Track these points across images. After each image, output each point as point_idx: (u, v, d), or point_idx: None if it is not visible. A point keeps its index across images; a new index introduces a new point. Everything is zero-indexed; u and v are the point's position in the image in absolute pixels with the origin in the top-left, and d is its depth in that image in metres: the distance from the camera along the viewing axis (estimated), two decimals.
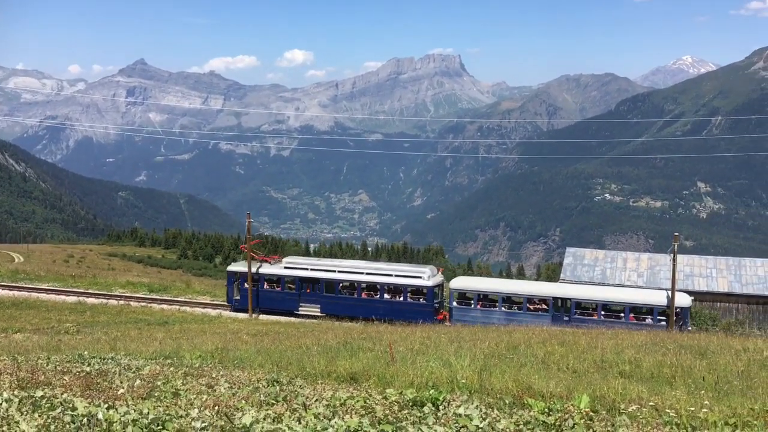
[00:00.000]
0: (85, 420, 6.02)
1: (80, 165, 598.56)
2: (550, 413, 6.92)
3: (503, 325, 34.90)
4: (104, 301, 43.11)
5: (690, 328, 35.38)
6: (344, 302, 41.44)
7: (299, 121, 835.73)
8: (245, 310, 42.46)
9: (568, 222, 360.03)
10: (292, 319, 39.58)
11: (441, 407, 7.22)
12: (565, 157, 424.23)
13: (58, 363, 11.10)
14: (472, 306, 39.32)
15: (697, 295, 44.72)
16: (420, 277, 40.28)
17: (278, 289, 42.97)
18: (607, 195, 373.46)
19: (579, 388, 9.61)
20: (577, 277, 50.93)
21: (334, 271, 42.17)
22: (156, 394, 7.87)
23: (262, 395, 7.91)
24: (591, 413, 7.03)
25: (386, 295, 40.76)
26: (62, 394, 7.44)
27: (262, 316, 40.54)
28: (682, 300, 36.48)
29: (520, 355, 14.75)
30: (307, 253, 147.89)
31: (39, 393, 7.16)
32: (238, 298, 43.32)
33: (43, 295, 44.00)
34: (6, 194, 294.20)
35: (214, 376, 9.94)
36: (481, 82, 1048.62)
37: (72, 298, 43.45)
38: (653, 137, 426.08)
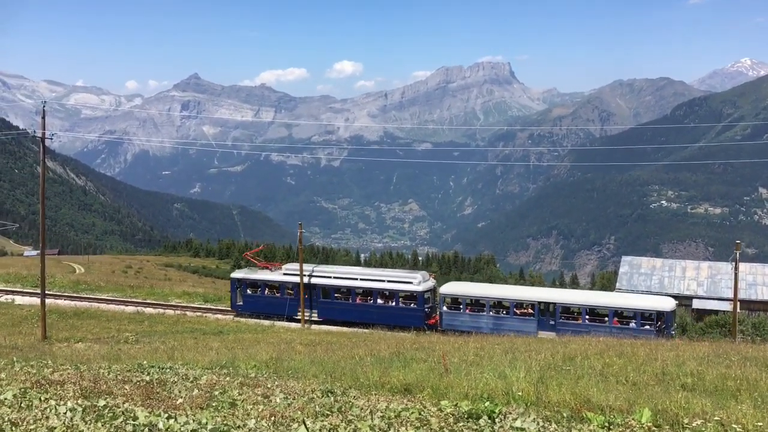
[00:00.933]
0: (146, 430, 6.13)
1: (137, 178, 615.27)
2: (610, 428, 6.75)
3: (491, 330, 37.49)
4: (161, 310, 44.04)
5: (672, 333, 35.51)
6: (340, 307, 42.58)
7: (349, 132, 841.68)
8: (247, 315, 44.11)
9: (623, 230, 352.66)
10: (344, 328, 39.70)
11: (497, 420, 7.11)
12: (619, 164, 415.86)
13: (118, 372, 11.36)
14: (462, 311, 39.74)
15: (762, 305, 43.23)
16: (410, 283, 40.92)
17: (278, 294, 44.10)
18: (663, 202, 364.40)
19: (640, 401, 9.35)
20: (633, 286, 49.81)
21: (330, 277, 43.37)
22: (213, 404, 7.96)
23: (317, 406, 7.93)
24: (653, 428, 6.83)
25: (379, 300, 41.41)
26: (124, 403, 7.60)
27: (315, 326, 40.79)
28: (664, 304, 36.47)
29: (577, 366, 14.46)
30: (357, 263, 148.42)
31: (102, 402, 7.34)
32: (240, 303, 44.76)
33: (103, 305, 45.20)
34: (67, 207, 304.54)
35: (269, 386, 10.01)
36: (531, 89, 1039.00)
37: (131, 308, 44.52)
38: (711, 142, 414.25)
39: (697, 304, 48.08)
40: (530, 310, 38.34)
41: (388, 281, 41.76)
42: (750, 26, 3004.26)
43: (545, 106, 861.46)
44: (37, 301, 37.90)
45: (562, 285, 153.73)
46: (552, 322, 37.29)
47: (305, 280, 43.26)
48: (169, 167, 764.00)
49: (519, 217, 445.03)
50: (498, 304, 39.38)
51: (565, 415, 7.96)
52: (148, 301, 49.60)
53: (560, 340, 24.23)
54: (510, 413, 7.45)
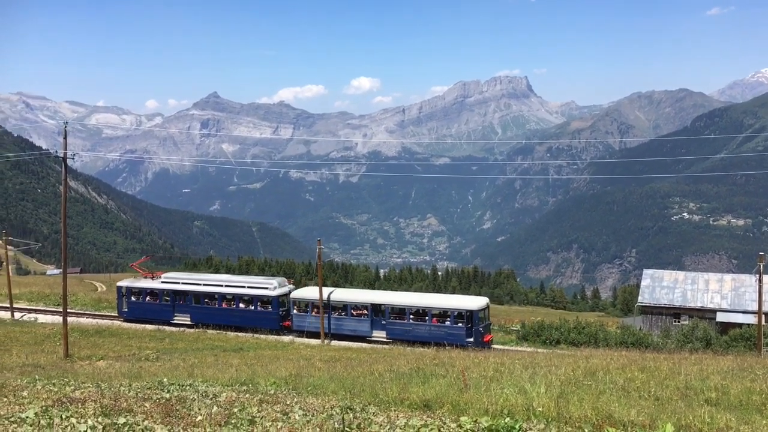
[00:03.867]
0: None
1: (158, 196, 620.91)
2: None
3: (334, 330, 41.70)
4: (182, 329, 44.25)
5: (481, 329, 38.34)
6: (208, 312, 45.81)
7: (367, 148, 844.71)
8: (137, 321, 46.66)
9: (645, 243, 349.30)
10: (364, 345, 39.60)
11: None
12: (640, 176, 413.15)
13: (139, 390, 11.42)
14: (308, 313, 42.73)
15: None
16: (267, 288, 44.41)
17: (157, 301, 47.37)
18: (685, 214, 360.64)
19: (662, 416, 9.22)
20: (656, 299, 49.26)
21: (200, 285, 46.86)
22: (233, 421, 7.97)
23: (336, 422, 7.92)
24: None
25: (241, 305, 44.91)
26: (143, 420, 7.64)
27: (334, 342, 40.73)
28: (472, 304, 39.35)
29: (599, 381, 14.28)
30: (377, 279, 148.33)
31: (121, 420, 7.38)
32: (125, 309, 47.93)
33: (124, 324, 45.53)
34: (89, 226, 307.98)
35: (288, 402, 10.01)
36: (549, 102, 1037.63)
37: (151, 326, 44.79)
38: (733, 153, 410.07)
39: (721, 317, 47.43)
40: (365, 312, 41.35)
41: (248, 287, 45.18)
42: None
43: (563, 120, 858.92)
44: (59, 319, 38.26)
45: (583, 299, 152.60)
46: (383, 322, 40.64)
47: (180, 287, 46.92)
48: (189, 185, 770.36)
49: (539, 230, 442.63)
50: (338, 307, 42.36)
51: (586, 430, 7.87)
52: None
53: (581, 354, 23.96)
54: (530, 429, 7.38)
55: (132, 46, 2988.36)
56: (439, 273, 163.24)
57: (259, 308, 44.29)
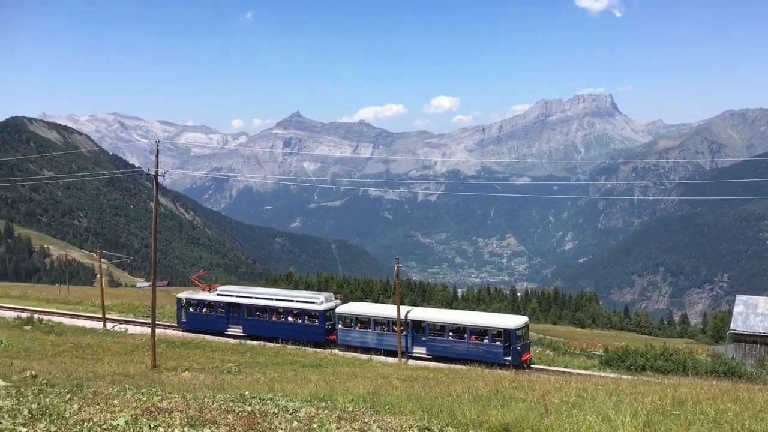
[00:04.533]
0: None
1: (241, 213, 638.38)
2: None
3: (375, 345, 42.58)
4: (263, 342, 45.15)
5: (519, 348, 38.24)
6: (260, 324, 47.33)
7: (446, 167, 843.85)
8: (194, 331, 48.11)
9: (737, 267, 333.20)
10: (441, 364, 39.27)
11: None
12: (732, 198, 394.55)
13: (222, 402, 11.70)
14: (353, 328, 44.00)
15: None
16: (314, 302, 45.70)
17: (213, 313, 49.17)
18: None
19: None
20: (750, 327, 46.80)
21: (253, 298, 48.46)
22: None
23: None
24: None
25: (290, 318, 46.28)
26: None
27: (411, 361, 40.59)
28: (509, 322, 39.62)
29: (688, 412, 13.66)
30: (454, 299, 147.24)
31: (207, 431, 7.58)
32: (184, 320, 49.90)
33: (208, 337, 46.87)
34: (177, 241, 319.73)
35: (366, 420, 10.04)
36: (634, 120, 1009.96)
37: (233, 340, 45.91)
38: None
39: None
40: (405, 328, 42.15)
41: (297, 301, 46.73)
42: None
43: (650, 138, 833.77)
44: (148, 330, 39.73)
45: (671, 324, 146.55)
46: (423, 339, 41.41)
47: (233, 299, 48.59)
48: (272, 202, 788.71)
49: (623, 252, 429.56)
50: (380, 322, 43.38)
51: None
52: None
53: (668, 383, 22.99)
54: None
55: (219, 67, 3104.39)
56: (519, 294, 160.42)
57: (306, 322, 45.60)
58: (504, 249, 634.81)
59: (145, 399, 11.58)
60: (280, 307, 46.94)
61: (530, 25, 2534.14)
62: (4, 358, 27.28)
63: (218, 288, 51.76)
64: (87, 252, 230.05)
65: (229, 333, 48.08)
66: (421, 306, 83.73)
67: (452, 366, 38.07)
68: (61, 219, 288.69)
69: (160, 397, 11.98)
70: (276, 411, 10.67)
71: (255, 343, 44.62)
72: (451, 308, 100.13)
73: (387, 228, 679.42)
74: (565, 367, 40.00)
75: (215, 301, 49.35)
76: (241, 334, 47.63)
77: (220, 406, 11.09)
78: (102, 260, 62.78)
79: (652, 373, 38.38)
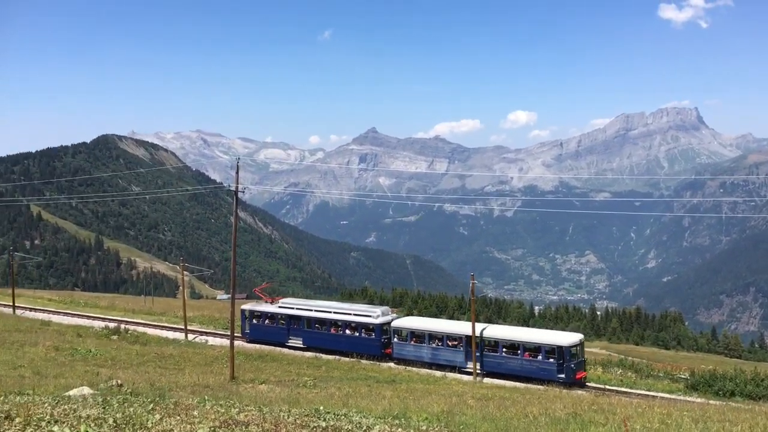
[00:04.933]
0: None
1: (318, 227, 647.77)
2: None
3: (430, 359, 42.72)
4: (337, 357, 45.50)
5: (573, 366, 37.81)
6: (319, 336, 48.20)
7: (522, 182, 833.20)
8: (257, 342, 49.64)
9: None
10: (518, 384, 38.52)
11: None
12: None
13: (297, 416, 11.79)
14: (407, 342, 44.21)
15: None
16: (371, 316, 46.27)
17: (274, 324, 50.36)
18: None
19: None
20: None
21: (312, 311, 49.22)
22: None
23: None
24: None
25: (347, 331, 46.93)
26: None
27: (487, 380, 40.00)
28: (563, 339, 39.26)
29: None
30: (531, 316, 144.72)
31: None
32: (248, 331, 51.30)
33: (285, 350, 47.61)
34: (255, 254, 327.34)
35: None
36: (722, 134, 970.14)
37: (309, 354, 46.44)
38: None
39: None
40: (459, 343, 42.18)
41: (354, 314, 47.29)
42: None
43: (739, 153, 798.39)
44: (227, 342, 40.67)
45: (762, 347, 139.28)
46: (477, 354, 40.77)
47: (294, 312, 49.52)
48: (347, 217, 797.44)
49: (710, 271, 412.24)
50: (435, 337, 43.47)
51: None
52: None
53: (760, 410, 21.76)
54: None
55: (298, 85, 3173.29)
56: (598, 313, 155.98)
57: (363, 335, 46.31)
58: (583, 266, 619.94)
59: (223, 411, 11.80)
60: (339, 320, 47.64)
61: (610, 38, 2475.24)
62: (93, 367, 28.48)
63: (280, 300, 53.09)
64: (171, 264, 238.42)
65: (290, 344, 49.03)
66: (497, 323, 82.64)
67: (529, 386, 37.27)
68: (147, 232, 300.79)
69: (237, 410, 12.18)
70: (350, 427, 10.67)
71: (330, 357, 45.02)
72: (528, 326, 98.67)
73: (462, 244, 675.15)
74: (648, 390, 38.49)
75: (277, 313, 50.59)
76: (301, 346, 48.59)
77: (295, 420, 11.17)
78: (184, 273, 64.83)
79: (742, 399, 36.48)
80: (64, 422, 8.94)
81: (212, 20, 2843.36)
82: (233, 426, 9.65)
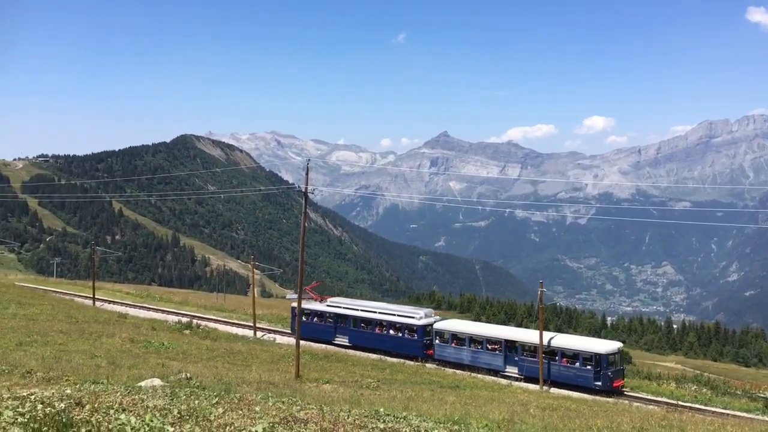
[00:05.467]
0: None
1: (387, 230, 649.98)
2: None
3: (470, 361, 43.52)
4: (402, 360, 45.56)
5: (610, 374, 38.35)
6: (364, 335, 49.32)
7: (597, 189, 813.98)
8: (305, 339, 47.74)
9: None
10: (585, 395, 37.64)
11: None
12: None
13: (357, 417, 11.85)
14: (449, 344, 45.25)
15: None
16: (413, 317, 47.33)
17: (322, 322, 51.69)
18: None
19: None
20: None
21: (358, 310, 50.37)
22: None
23: None
24: None
25: (391, 331, 48.07)
26: None
27: (553, 390, 39.26)
28: (600, 347, 39.75)
29: None
30: (603, 327, 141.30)
31: None
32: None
33: (350, 351, 48.00)
34: (325, 255, 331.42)
35: None
36: None
37: (374, 356, 46.67)
38: None
39: None
40: (499, 347, 43.11)
41: (398, 315, 48.48)
42: None
43: None
44: (293, 341, 41.29)
45: None
46: (516, 359, 42.13)
47: (341, 311, 50.87)
48: (417, 221, 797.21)
49: None
50: (475, 340, 44.45)
51: None
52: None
53: None
54: None
55: (371, 87, 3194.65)
56: (675, 326, 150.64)
57: (406, 335, 47.28)
58: (659, 277, 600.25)
59: (284, 408, 11.98)
60: (383, 321, 48.69)
61: (695, 42, 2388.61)
62: (164, 359, 29.44)
63: (328, 299, 54.33)
64: (243, 263, 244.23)
65: (336, 342, 50.30)
66: (567, 333, 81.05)
67: (596, 398, 36.38)
68: (221, 231, 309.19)
69: (298, 407, 12.35)
70: (408, 430, 10.66)
71: (395, 360, 45.15)
72: (599, 337, 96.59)
73: (533, 250, 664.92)
74: (724, 408, 36.93)
75: (325, 312, 51.86)
76: (347, 344, 49.67)
77: (354, 420, 11.23)
78: (255, 271, 66.25)
79: None
80: (131, 411, 9.28)
81: (287, 24, 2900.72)
82: (292, 423, 9.79)
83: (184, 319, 51.26)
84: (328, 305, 52.44)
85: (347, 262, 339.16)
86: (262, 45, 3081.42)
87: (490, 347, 43.58)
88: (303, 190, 32.83)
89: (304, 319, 51.98)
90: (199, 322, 51.58)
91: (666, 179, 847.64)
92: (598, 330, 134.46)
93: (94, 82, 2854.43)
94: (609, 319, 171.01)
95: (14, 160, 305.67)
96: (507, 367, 42.51)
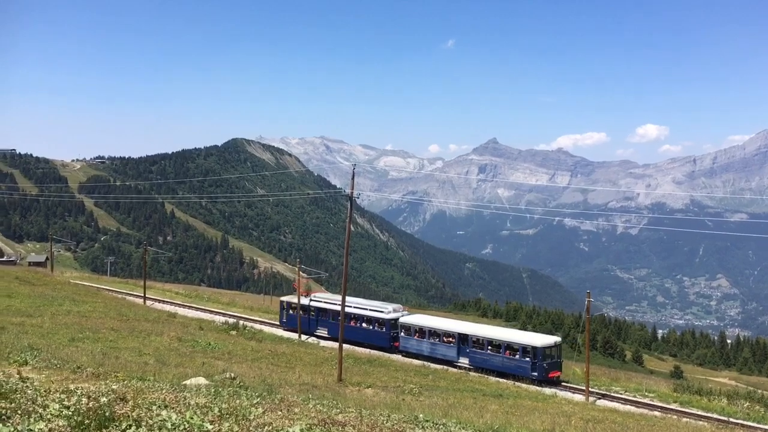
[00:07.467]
0: None
1: (434, 236, 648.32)
2: None
3: (428, 353, 47.07)
4: (445, 367, 45.33)
5: (545, 366, 41.78)
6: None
7: (650, 199, 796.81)
8: (291, 330, 54.84)
9: None
10: (632, 408, 36.78)
11: None
12: None
13: (396, 422, 11.83)
14: (412, 336, 48.58)
15: None
16: (382, 312, 50.95)
17: (305, 315, 55.03)
18: None
19: None
20: None
21: (337, 305, 51.30)
22: None
23: None
24: None
25: (364, 324, 51.40)
26: None
27: (600, 402, 38.48)
28: (537, 341, 43.46)
29: None
30: (653, 339, 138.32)
31: None
32: (284, 320, 56.89)
33: (394, 356, 47.98)
34: (371, 260, 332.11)
35: None
36: None
37: (417, 362, 46.55)
38: None
39: None
40: (453, 340, 46.67)
41: (369, 309, 51.87)
42: None
43: None
44: (337, 345, 41.52)
45: None
46: (467, 350, 45.72)
47: (322, 305, 54.40)
48: (464, 227, 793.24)
49: None
50: (434, 333, 47.69)
51: None
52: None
53: None
54: None
55: (419, 93, 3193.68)
56: (729, 341, 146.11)
57: (376, 328, 50.79)
58: (713, 290, 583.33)
59: (324, 410, 12.04)
60: (357, 315, 51.72)
61: (753, 49, 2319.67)
62: (210, 359, 29.92)
63: (312, 294, 57.93)
64: (290, 266, 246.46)
65: (317, 334, 54.19)
66: (616, 344, 79.96)
67: (644, 411, 35.50)
68: (270, 233, 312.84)
69: (338, 411, 12.40)
70: None
71: (438, 366, 45.01)
72: (649, 350, 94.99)
73: (581, 260, 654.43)
74: None
75: (308, 306, 55.31)
76: (326, 336, 53.28)
77: (392, 425, 11.21)
78: (302, 275, 66.84)
79: None
80: (172, 408, 9.44)
81: (338, 29, 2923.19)
82: (330, 425, 9.82)
83: (231, 320, 52.10)
84: (311, 300, 55.77)
85: (393, 268, 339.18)
86: (313, 50, 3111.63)
87: (446, 340, 47.03)
88: (349, 194, 33.03)
89: (290, 312, 56.02)
90: (245, 323, 52.29)
91: (722, 190, 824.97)
92: (648, 343, 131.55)
93: (150, 85, 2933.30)
94: (660, 331, 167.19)
95: (72, 161, 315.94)
96: (460, 358, 46.10)
